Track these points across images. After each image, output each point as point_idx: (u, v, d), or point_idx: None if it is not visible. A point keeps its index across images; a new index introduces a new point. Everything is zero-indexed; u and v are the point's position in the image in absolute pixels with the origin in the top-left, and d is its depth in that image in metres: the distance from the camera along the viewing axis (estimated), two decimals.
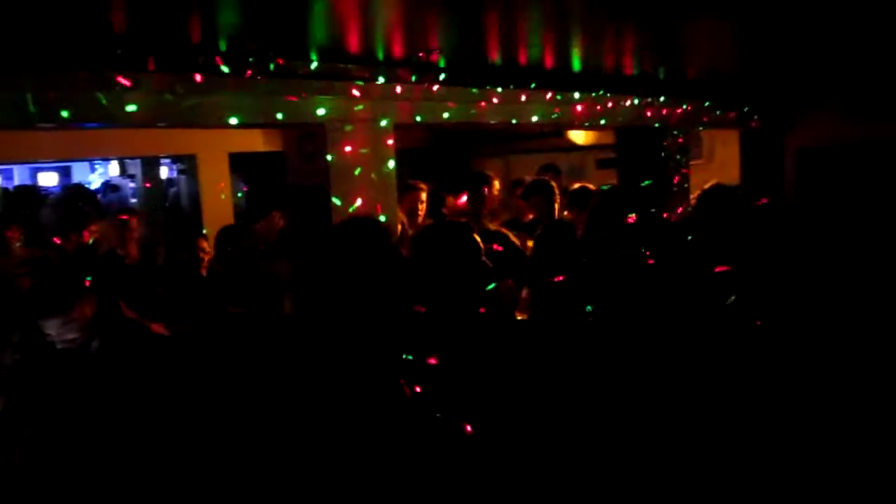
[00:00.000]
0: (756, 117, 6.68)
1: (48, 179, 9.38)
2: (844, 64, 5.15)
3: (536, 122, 4.90)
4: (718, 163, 7.55)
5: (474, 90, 4.40)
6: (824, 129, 6.56)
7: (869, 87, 6.03)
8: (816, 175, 6.62)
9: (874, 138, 6.17)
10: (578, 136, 7.53)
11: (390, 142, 4.03)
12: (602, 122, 5.37)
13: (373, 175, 3.92)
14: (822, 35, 3.97)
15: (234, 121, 3.35)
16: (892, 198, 5.80)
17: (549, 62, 4.39)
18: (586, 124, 5.61)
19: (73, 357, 2.59)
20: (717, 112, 6.29)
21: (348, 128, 3.81)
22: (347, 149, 3.81)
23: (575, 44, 3.94)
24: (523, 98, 4.68)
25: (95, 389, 2.50)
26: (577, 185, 5.04)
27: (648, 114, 5.64)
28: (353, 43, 3.39)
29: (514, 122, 4.73)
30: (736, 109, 6.48)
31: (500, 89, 4.51)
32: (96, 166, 9.29)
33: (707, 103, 6.16)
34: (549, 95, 4.86)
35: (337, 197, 3.77)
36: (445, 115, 4.29)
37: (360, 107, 3.83)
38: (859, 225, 4.93)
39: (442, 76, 4.15)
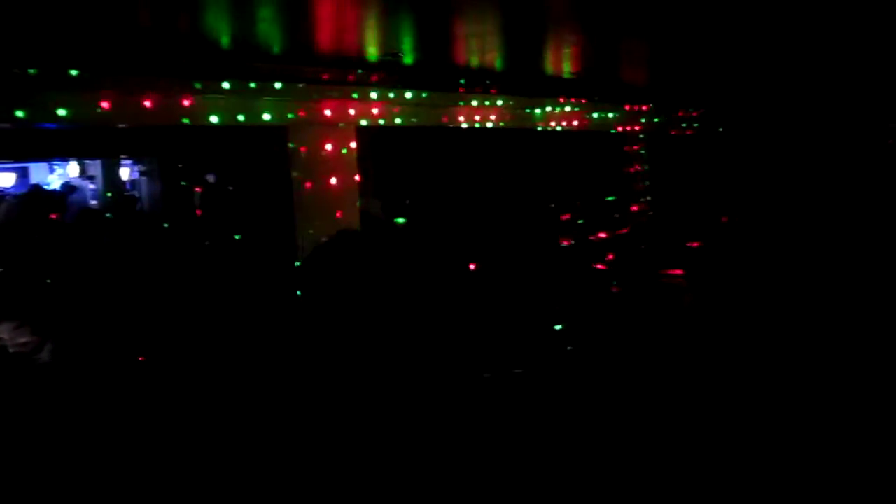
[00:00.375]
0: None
1: (5, 180, 9.14)
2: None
3: None
4: None
5: None
6: None
7: None
8: None
9: None
10: None
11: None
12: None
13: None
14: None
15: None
16: None
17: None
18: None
19: (26, 361, 2.57)
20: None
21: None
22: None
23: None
24: None
25: (49, 393, 2.48)
26: None
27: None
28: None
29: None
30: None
31: None
32: (55, 167, 9.09)
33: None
34: None
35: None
36: (398, 120, 4.43)
37: None
38: None
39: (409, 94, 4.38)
